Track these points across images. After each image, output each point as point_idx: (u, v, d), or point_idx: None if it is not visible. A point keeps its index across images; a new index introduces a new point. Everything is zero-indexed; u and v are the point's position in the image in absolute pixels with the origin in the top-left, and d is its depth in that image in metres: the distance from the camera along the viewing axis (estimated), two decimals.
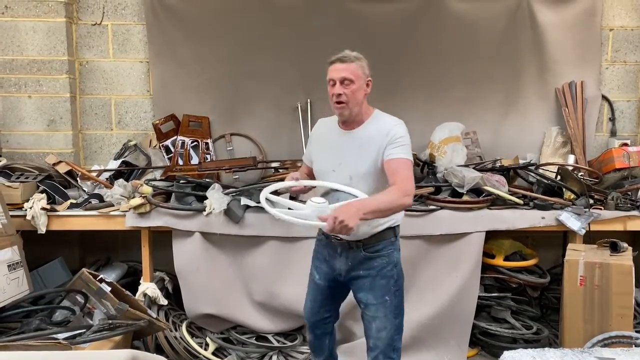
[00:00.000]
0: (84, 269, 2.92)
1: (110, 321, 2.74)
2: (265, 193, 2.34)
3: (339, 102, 2.31)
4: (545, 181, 3.55)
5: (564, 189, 3.49)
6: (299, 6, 3.92)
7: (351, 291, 2.54)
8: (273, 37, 3.92)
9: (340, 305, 2.68)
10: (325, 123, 2.56)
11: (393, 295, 2.43)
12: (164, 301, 3.34)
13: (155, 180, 3.58)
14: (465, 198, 3.33)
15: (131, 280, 3.60)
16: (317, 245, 2.62)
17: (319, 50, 3.93)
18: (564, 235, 3.54)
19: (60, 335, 2.59)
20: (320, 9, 3.92)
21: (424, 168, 3.77)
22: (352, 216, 2.04)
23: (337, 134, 2.44)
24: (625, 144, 3.87)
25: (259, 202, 3.28)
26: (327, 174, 2.42)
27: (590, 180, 3.60)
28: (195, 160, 3.88)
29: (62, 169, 3.59)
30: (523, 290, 3.51)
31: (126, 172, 3.78)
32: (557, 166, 3.67)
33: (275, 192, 2.50)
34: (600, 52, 4.01)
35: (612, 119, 4.08)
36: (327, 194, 2.40)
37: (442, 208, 3.30)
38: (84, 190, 3.56)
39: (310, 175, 2.59)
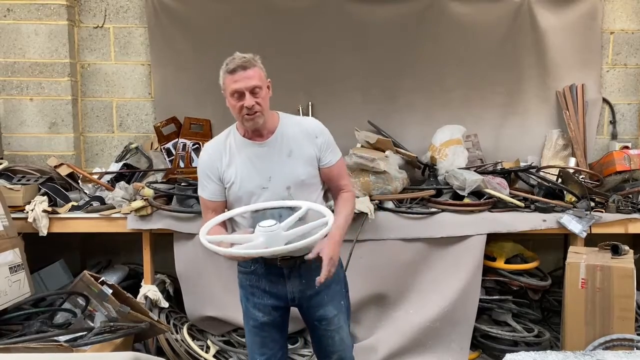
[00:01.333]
0: (85, 272, 2.92)
1: (112, 324, 2.74)
2: (203, 235, 1.99)
3: (251, 113, 2.08)
4: (546, 184, 3.55)
5: (565, 192, 3.49)
6: (300, 9, 3.93)
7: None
8: (274, 40, 3.93)
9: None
10: (224, 143, 2.20)
11: (345, 298, 2.35)
12: (165, 304, 3.34)
13: (156, 182, 3.58)
14: (466, 201, 3.33)
15: (132, 282, 3.59)
16: (245, 280, 2.27)
17: (320, 53, 3.97)
18: (565, 238, 3.54)
19: (62, 338, 2.59)
20: (321, 12, 3.92)
21: (425, 171, 3.78)
22: (339, 249, 2.10)
23: (251, 147, 2.17)
24: (626, 147, 3.87)
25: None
26: (256, 194, 2.15)
27: (591, 183, 3.60)
28: (196, 162, 3.88)
29: (64, 171, 3.60)
30: (524, 293, 3.50)
31: (127, 174, 3.78)
32: (558, 169, 3.67)
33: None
34: (600, 55, 4.02)
35: (613, 122, 4.08)
36: (260, 216, 2.10)
37: (443, 211, 3.29)
38: (86, 193, 3.56)
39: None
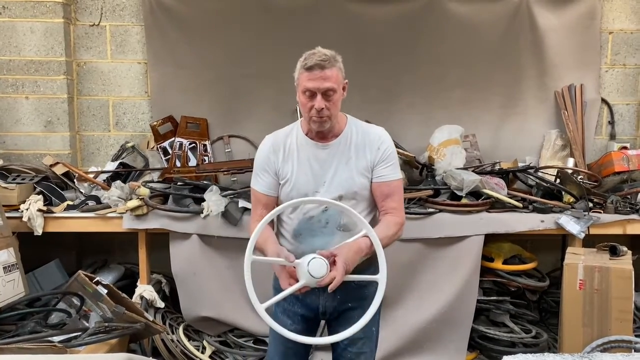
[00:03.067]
0: (80, 271, 2.89)
1: (107, 324, 2.72)
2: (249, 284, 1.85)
3: (319, 116, 1.98)
4: (545, 184, 3.54)
5: (563, 193, 3.48)
6: (298, 8, 3.90)
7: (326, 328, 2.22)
8: (272, 39, 3.91)
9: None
10: (285, 138, 2.11)
11: (378, 324, 2.21)
12: (160, 304, 3.33)
13: (152, 182, 3.57)
14: (464, 201, 3.32)
15: (128, 282, 3.58)
16: (279, 283, 2.11)
17: None
18: (563, 239, 3.53)
19: (56, 338, 2.57)
20: (319, 11, 3.90)
21: (423, 171, 3.76)
22: (356, 260, 1.88)
23: (312, 147, 2.06)
24: (625, 147, 3.87)
25: None
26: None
27: (590, 184, 3.59)
28: (193, 162, 3.87)
29: (59, 170, 3.57)
30: (522, 293, 3.49)
31: (123, 173, 3.77)
32: (556, 169, 3.66)
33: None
34: (599, 55, 4.00)
35: (612, 122, 4.07)
36: (307, 226, 2.02)
37: (441, 211, 3.28)
38: (81, 192, 3.54)
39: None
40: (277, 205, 2.10)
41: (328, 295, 2.04)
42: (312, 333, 2.23)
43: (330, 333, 2.20)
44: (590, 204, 3.36)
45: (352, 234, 1.97)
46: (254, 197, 2.15)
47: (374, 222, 2.11)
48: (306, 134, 2.09)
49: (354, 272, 1.94)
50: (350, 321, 2.03)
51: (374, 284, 1.98)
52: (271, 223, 2.11)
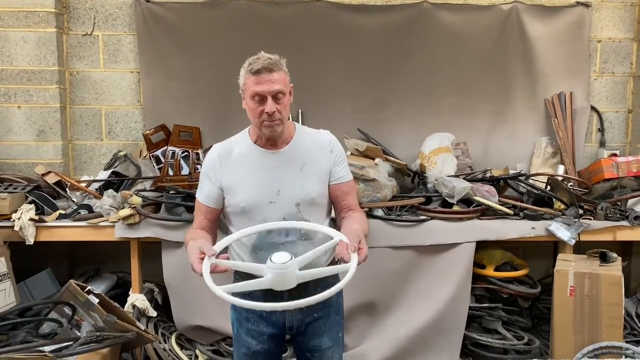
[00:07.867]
0: (71, 281, 2.88)
1: (98, 333, 2.71)
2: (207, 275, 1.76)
3: (271, 120, 1.94)
4: (535, 191, 3.56)
5: (553, 199, 3.50)
6: (290, 18, 3.93)
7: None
8: (263, 48, 3.86)
9: None
10: (233, 147, 2.06)
11: (342, 329, 2.20)
12: (153, 313, 3.32)
13: (145, 190, 3.56)
14: (455, 208, 3.34)
15: (120, 291, 3.56)
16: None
17: (309, 62, 3.97)
18: (554, 246, 3.55)
19: (47, 348, 2.55)
20: (311, 21, 3.94)
21: (415, 178, 3.78)
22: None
23: (261, 155, 2.02)
24: (614, 155, 3.90)
25: None
26: (261, 209, 1.97)
27: (580, 191, 3.62)
28: (185, 170, 3.86)
29: (51, 179, 3.57)
30: (514, 300, 3.51)
31: (116, 182, 3.76)
32: (546, 176, 3.69)
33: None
34: (588, 63, 4.05)
35: (601, 130, 4.11)
36: (266, 240, 1.95)
37: (432, 218, 3.30)
38: (73, 201, 3.54)
39: (214, 223, 2.09)
40: (225, 217, 2.10)
41: (294, 309, 1.99)
42: (279, 352, 2.20)
43: (297, 348, 2.19)
44: (581, 211, 3.38)
45: (313, 242, 1.97)
46: (196, 206, 2.11)
47: (333, 227, 2.12)
48: (255, 142, 2.05)
49: (319, 286, 1.92)
50: (318, 331, 2.09)
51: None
52: (212, 234, 2.06)
